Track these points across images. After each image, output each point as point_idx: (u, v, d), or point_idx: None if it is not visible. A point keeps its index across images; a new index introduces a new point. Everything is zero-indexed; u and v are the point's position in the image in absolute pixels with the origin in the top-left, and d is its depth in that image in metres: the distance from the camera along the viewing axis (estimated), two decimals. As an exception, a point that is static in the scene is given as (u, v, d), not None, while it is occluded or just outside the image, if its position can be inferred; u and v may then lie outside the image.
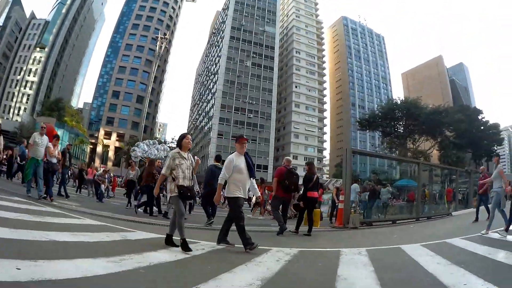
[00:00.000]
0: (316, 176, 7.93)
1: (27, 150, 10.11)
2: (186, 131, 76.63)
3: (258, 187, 14.46)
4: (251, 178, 5.17)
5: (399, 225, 11.32)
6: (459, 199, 18.54)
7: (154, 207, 10.00)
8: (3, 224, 4.04)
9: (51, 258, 2.92)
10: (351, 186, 12.27)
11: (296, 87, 76.53)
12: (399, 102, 56.35)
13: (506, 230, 6.78)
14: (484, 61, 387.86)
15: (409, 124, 54.26)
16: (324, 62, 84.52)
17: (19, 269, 2.43)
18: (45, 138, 8.61)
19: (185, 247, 4.26)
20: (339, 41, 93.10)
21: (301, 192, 8.03)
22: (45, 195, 8.28)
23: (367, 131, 66.49)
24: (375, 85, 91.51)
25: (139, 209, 10.06)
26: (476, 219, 9.85)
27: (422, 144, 55.86)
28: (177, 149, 4.64)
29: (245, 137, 5.35)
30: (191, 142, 4.90)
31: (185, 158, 4.60)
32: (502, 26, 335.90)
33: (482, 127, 57.00)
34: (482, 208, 10.09)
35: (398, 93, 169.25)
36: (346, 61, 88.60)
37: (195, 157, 7.09)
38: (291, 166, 7.99)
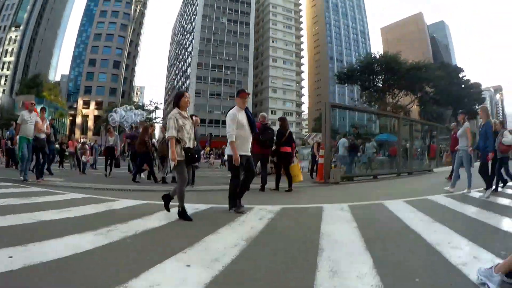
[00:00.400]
0: (288, 131, 7.92)
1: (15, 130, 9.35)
2: (164, 93, 75.87)
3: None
4: (253, 134, 5.02)
5: (381, 180, 11.26)
6: (440, 155, 18.50)
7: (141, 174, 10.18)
8: None
9: (40, 240, 2.92)
10: (340, 141, 12.57)
11: (273, 41, 76.27)
12: (378, 56, 55.98)
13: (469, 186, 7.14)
14: (466, 22, 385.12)
15: (388, 78, 53.49)
16: (301, 17, 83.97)
17: (11, 257, 2.42)
18: (34, 114, 8.09)
19: (185, 216, 4.11)
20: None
21: (274, 147, 7.91)
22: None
23: (346, 85, 66.55)
24: (354, 40, 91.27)
25: (143, 176, 10.16)
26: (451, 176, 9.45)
27: (402, 99, 55.70)
28: (177, 109, 4.21)
29: (247, 91, 5.08)
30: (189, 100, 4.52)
31: (187, 118, 4.27)
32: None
33: (463, 85, 57.14)
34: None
35: (377, 48, 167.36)
36: (323, 15, 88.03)
37: (193, 116, 7.04)
38: (266, 122, 7.85)
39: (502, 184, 7.64)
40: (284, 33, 77.92)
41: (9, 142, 13.25)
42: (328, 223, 4.06)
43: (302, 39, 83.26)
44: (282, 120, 8.11)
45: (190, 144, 4.18)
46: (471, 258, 2.67)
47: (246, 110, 4.99)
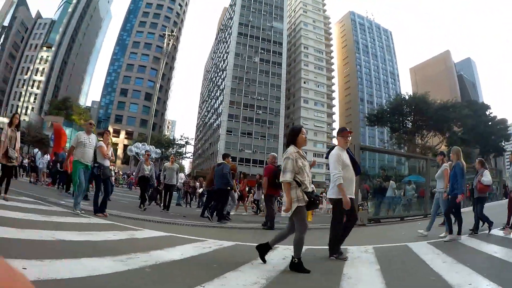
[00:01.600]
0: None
1: (66, 153, 8.76)
2: (195, 128, 76.12)
3: (240, 182, 14.29)
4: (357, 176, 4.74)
5: (408, 222, 11.26)
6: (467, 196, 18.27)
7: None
8: (10, 224, 4.02)
9: (58, 258, 2.92)
10: (390, 183, 12.85)
11: (304, 82, 75.95)
12: (407, 97, 55.79)
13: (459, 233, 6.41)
14: (492, 57, 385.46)
15: (417, 119, 53.76)
16: (332, 58, 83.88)
17: (25, 268, 2.42)
18: (94, 137, 7.02)
19: (300, 268, 3.56)
20: (347, 36, 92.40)
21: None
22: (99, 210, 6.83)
23: (376, 127, 65.97)
24: (384, 80, 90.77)
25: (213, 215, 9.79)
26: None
27: (430, 139, 55.35)
28: (294, 147, 3.80)
29: (349, 129, 4.80)
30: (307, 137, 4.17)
31: (305, 158, 3.85)
32: (509, 23, 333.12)
33: (489, 123, 57.11)
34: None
35: (406, 88, 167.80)
36: (354, 56, 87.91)
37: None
38: (276, 162, 7.98)
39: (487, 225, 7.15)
40: (315, 74, 77.64)
41: (58, 164, 12.74)
42: (351, 265, 4.07)
43: (333, 80, 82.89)
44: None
45: (310, 187, 3.79)
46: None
47: (348, 150, 4.73)
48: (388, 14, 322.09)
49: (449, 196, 6.43)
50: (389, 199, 13.09)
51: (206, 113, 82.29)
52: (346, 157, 4.55)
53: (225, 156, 9.39)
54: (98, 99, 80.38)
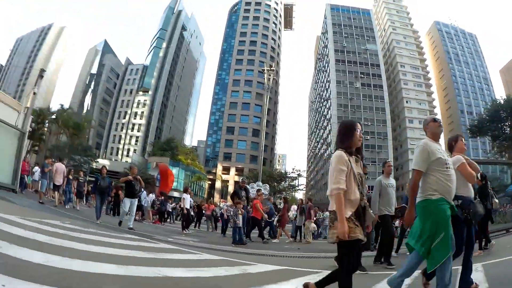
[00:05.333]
0: None
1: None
2: (306, 160, 76.89)
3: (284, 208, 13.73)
4: None
5: None
6: None
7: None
8: (109, 260, 3.83)
9: None
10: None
11: (407, 102, 74.54)
12: (502, 101, 52.81)
13: None
14: None
15: None
16: (428, 72, 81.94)
17: None
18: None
19: None
20: (437, 47, 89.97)
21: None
22: None
23: (478, 137, 63.21)
24: (479, 88, 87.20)
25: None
26: None
27: None
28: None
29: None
30: None
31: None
32: None
33: None
34: None
35: (500, 92, 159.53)
36: (448, 67, 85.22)
37: None
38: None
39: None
40: (416, 92, 75.97)
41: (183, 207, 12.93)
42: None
43: (432, 96, 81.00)
44: None
45: None
46: None
47: None
48: (469, 16, 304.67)
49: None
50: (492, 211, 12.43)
51: (315, 144, 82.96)
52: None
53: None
54: (204, 139, 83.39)
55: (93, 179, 16.17)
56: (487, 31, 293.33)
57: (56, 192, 12.56)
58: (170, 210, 20.87)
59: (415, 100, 75.13)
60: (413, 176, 3.25)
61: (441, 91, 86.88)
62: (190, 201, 13.95)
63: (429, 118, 3.48)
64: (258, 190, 13.20)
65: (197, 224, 17.11)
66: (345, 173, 2.63)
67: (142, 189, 13.18)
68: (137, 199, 9.85)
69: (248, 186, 12.81)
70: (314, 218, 13.93)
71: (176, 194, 51.43)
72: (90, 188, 15.80)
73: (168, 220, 19.62)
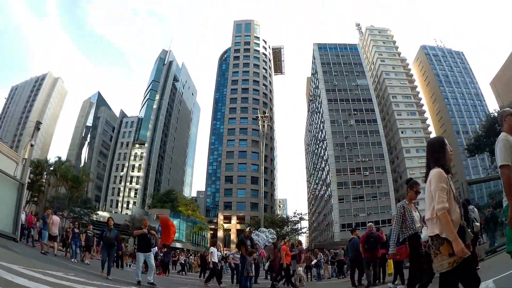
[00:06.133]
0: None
1: None
2: (307, 203, 75.93)
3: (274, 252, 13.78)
4: None
5: None
6: None
7: None
8: None
9: None
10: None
11: (402, 132, 74.74)
12: (496, 114, 52.63)
13: None
14: None
15: None
16: (420, 99, 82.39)
17: None
18: None
19: None
20: (426, 72, 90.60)
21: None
22: None
23: (476, 155, 62.99)
24: (472, 106, 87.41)
25: None
26: None
27: None
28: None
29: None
30: None
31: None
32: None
33: None
34: None
35: (493, 105, 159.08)
36: (439, 90, 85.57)
37: None
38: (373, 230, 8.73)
39: None
40: (410, 121, 76.33)
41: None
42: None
43: (427, 122, 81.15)
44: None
45: None
46: None
47: None
48: (454, 32, 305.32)
49: None
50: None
51: (315, 186, 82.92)
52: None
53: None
54: (203, 189, 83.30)
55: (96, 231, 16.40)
56: (473, 45, 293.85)
57: (55, 243, 13.10)
58: (183, 262, 22.44)
59: (410, 130, 75.35)
60: (504, 173, 2.98)
61: (434, 115, 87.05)
62: (218, 255, 14.31)
63: (507, 111, 3.34)
64: (284, 237, 14.53)
65: (202, 274, 17.37)
66: (446, 191, 2.56)
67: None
68: (152, 253, 9.25)
69: (252, 235, 12.66)
70: (304, 264, 15.29)
71: (178, 245, 51.28)
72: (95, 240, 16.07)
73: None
